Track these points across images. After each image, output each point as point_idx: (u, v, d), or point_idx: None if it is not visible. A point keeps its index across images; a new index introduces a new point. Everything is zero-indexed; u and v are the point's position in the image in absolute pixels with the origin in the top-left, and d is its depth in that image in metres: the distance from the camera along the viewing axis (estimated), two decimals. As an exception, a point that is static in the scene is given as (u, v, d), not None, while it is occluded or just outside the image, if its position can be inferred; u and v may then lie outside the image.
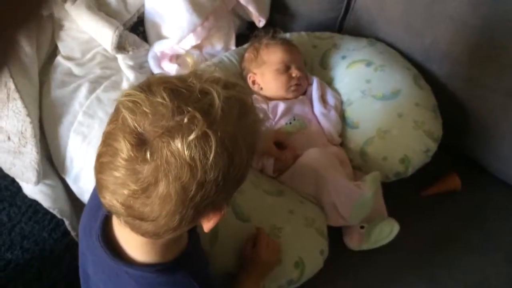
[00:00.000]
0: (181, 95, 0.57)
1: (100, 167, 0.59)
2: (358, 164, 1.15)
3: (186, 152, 0.54)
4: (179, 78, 0.60)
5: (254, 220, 0.98)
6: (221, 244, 0.95)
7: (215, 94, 0.57)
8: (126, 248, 0.70)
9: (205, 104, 0.57)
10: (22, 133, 1.19)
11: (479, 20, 1.14)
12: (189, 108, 0.55)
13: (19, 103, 1.19)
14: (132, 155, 0.55)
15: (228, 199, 0.64)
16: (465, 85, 1.23)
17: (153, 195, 0.56)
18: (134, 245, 0.69)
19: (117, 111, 0.59)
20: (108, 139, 0.58)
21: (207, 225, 0.65)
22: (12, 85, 1.19)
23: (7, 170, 1.24)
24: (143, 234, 0.62)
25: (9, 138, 1.20)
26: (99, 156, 0.59)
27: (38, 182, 1.21)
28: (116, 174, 0.56)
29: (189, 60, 0.65)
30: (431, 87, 1.23)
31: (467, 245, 1.13)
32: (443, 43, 1.22)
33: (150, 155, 0.54)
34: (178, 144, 0.54)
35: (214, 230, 0.95)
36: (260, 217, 0.99)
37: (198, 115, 0.55)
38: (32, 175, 1.19)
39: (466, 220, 1.18)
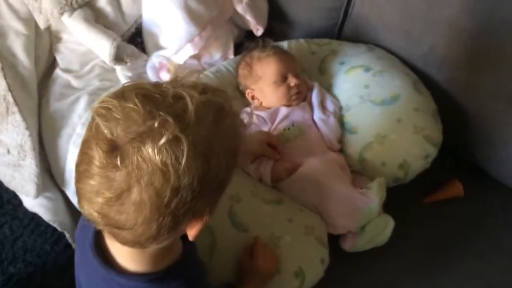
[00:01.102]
0: (154, 100, 0.57)
1: (78, 176, 0.59)
2: (357, 170, 1.14)
3: (157, 157, 0.53)
4: (154, 84, 0.60)
5: (253, 229, 0.97)
6: (219, 254, 0.94)
7: (188, 99, 0.57)
8: (118, 258, 0.69)
9: (178, 108, 0.56)
10: (21, 146, 1.19)
11: (476, 25, 1.13)
12: (161, 113, 0.55)
13: (18, 116, 1.19)
14: (104, 162, 0.55)
15: (209, 206, 0.63)
16: (464, 90, 1.22)
17: (127, 202, 0.55)
18: (124, 254, 0.68)
19: (92, 119, 0.58)
20: (83, 148, 0.58)
21: (190, 233, 0.64)
22: (11, 99, 1.20)
23: (7, 183, 1.24)
24: (124, 243, 0.61)
25: (8, 151, 1.20)
26: (77, 165, 0.59)
27: (37, 195, 1.21)
28: (92, 182, 0.56)
29: (171, 67, 0.65)
30: (430, 93, 1.23)
31: (469, 251, 1.11)
32: (442, 48, 1.22)
33: (121, 161, 0.54)
34: (149, 149, 0.53)
35: (212, 240, 0.95)
36: (258, 227, 0.98)
37: (170, 119, 0.54)
38: (31, 188, 1.19)
39: (468, 226, 1.16)
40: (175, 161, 0.54)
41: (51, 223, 1.31)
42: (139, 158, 0.54)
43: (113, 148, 0.55)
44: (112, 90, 1.28)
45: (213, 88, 0.62)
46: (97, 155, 0.55)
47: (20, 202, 1.36)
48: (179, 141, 0.54)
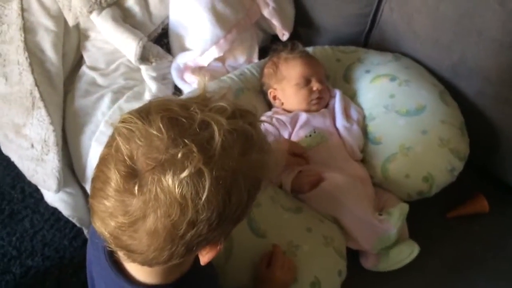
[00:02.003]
0: (180, 126, 0.54)
1: (93, 192, 0.57)
2: (379, 181, 1.12)
3: (177, 190, 0.51)
4: (182, 105, 0.57)
5: (270, 236, 0.96)
6: (235, 259, 0.93)
7: (215, 127, 0.54)
8: (129, 268, 0.68)
9: (204, 137, 0.54)
10: (45, 141, 1.20)
11: (508, 37, 1.10)
12: (186, 141, 0.52)
13: (43, 111, 1.21)
14: (122, 187, 0.53)
15: (225, 235, 0.61)
16: (494, 103, 1.19)
17: (141, 230, 0.54)
18: (134, 266, 0.67)
19: (113, 135, 0.56)
20: (101, 165, 0.56)
21: (203, 259, 0.62)
22: (37, 94, 1.22)
23: (30, 177, 1.26)
24: (133, 261, 0.60)
25: (32, 145, 1.22)
26: (93, 179, 0.57)
27: (58, 190, 1.22)
28: (107, 203, 0.54)
29: (200, 81, 0.62)
30: (458, 105, 1.20)
31: (492, 271, 1.08)
32: (472, 59, 1.19)
33: (139, 189, 0.52)
34: (169, 180, 0.51)
35: (229, 244, 0.94)
36: (276, 234, 0.97)
37: (195, 149, 0.52)
38: (53, 183, 1.20)
39: (492, 244, 1.13)
40: (195, 196, 0.52)
41: (70, 218, 1.32)
42: (158, 189, 0.52)
43: (132, 174, 0.53)
44: (136, 89, 1.32)
45: (243, 110, 0.59)
46: (115, 178, 0.53)
47: (41, 196, 1.38)
48: (201, 175, 0.52)
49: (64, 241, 1.56)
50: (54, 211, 1.52)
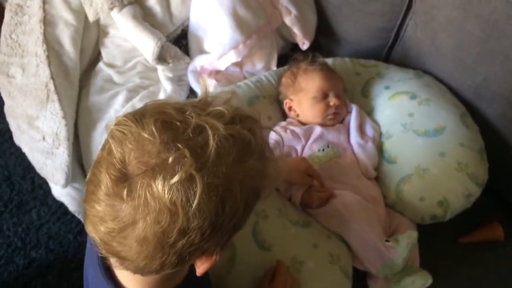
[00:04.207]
0: (173, 129, 0.52)
1: (86, 195, 0.56)
2: (392, 202, 1.09)
3: (166, 196, 0.49)
4: (178, 109, 0.55)
5: (275, 250, 0.94)
6: (237, 271, 0.91)
7: (210, 132, 0.52)
8: (120, 276, 0.67)
9: (198, 142, 0.52)
10: (56, 134, 1.20)
11: (536, 61, 1.06)
12: (179, 145, 0.51)
13: (57, 104, 1.21)
14: (111, 191, 0.51)
15: (221, 245, 0.58)
16: (516, 128, 1.16)
17: (130, 237, 0.52)
18: (126, 274, 0.64)
19: (107, 139, 0.55)
20: (95, 167, 0.55)
21: (198, 270, 0.60)
22: (52, 87, 1.22)
23: (39, 169, 1.25)
24: (126, 268, 0.58)
25: (44, 138, 1.21)
26: (87, 182, 0.56)
27: (66, 184, 1.21)
28: (98, 207, 0.53)
29: (202, 84, 0.60)
30: (479, 128, 1.16)
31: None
32: (496, 81, 1.15)
33: (128, 193, 0.50)
34: (159, 185, 0.49)
35: (232, 255, 0.92)
36: (281, 248, 0.95)
37: (187, 154, 0.50)
38: (61, 177, 1.20)
39: (506, 273, 1.09)
40: (185, 202, 0.50)
41: (75, 214, 1.31)
42: (148, 194, 0.50)
43: (122, 178, 0.51)
44: (151, 89, 1.31)
45: (244, 116, 0.57)
46: (105, 181, 0.52)
47: (50, 189, 1.37)
48: (193, 181, 0.50)
49: (69, 236, 1.56)
50: (62, 205, 1.51)
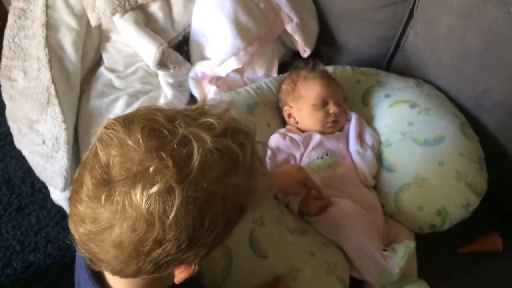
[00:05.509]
0: (160, 138, 0.52)
1: (71, 193, 0.56)
2: (390, 210, 1.08)
3: (144, 205, 0.49)
4: (169, 117, 0.55)
5: (272, 257, 0.93)
6: (232, 278, 0.91)
7: (195, 145, 0.52)
8: (108, 278, 0.67)
9: (183, 154, 0.51)
10: (56, 138, 1.20)
11: (537, 71, 1.06)
12: (163, 155, 0.50)
13: (57, 109, 1.21)
14: (92, 193, 0.52)
15: (200, 258, 0.57)
16: (517, 139, 1.15)
17: (107, 241, 0.52)
18: (112, 277, 0.65)
19: (95, 142, 0.56)
20: (81, 168, 0.56)
21: (176, 278, 0.60)
22: (53, 91, 1.22)
23: (39, 173, 1.25)
24: (104, 269, 0.59)
25: (43, 142, 1.22)
26: (74, 181, 0.57)
27: (65, 188, 1.21)
28: (80, 207, 0.53)
29: (200, 92, 0.60)
30: (479, 138, 1.16)
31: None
32: (496, 92, 1.15)
33: (106, 198, 0.51)
34: (137, 194, 0.49)
35: (228, 262, 0.91)
36: (278, 255, 0.94)
37: (170, 164, 0.50)
38: (60, 181, 1.20)
39: (505, 285, 1.08)
40: (162, 213, 0.50)
41: (74, 218, 1.31)
42: (126, 201, 0.50)
43: (103, 182, 0.51)
44: (152, 94, 1.31)
45: (236, 129, 0.57)
46: (88, 182, 0.52)
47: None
48: (172, 192, 0.50)
49: (68, 240, 1.55)
50: (61, 209, 1.51)
